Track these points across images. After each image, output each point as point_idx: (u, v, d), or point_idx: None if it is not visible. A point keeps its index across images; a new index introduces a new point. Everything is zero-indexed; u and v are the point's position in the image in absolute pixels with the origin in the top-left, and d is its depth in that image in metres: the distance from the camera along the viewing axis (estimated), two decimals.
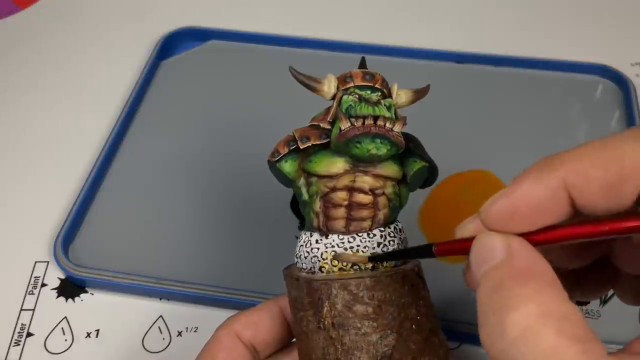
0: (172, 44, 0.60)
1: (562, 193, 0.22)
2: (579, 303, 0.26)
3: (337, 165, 0.29)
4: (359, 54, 0.63)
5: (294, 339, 0.32)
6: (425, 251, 0.27)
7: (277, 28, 0.61)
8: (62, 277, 0.45)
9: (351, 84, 0.29)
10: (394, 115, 0.28)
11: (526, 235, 0.23)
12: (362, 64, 0.31)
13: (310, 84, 0.29)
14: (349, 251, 0.30)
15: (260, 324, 0.31)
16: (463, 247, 0.25)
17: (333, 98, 0.29)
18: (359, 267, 0.30)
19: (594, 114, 0.54)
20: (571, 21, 0.63)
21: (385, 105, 0.28)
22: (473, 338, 0.40)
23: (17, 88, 0.58)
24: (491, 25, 0.63)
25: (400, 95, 0.30)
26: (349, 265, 0.30)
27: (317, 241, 0.30)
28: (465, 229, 0.25)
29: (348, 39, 0.60)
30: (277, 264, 0.33)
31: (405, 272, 0.29)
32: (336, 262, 0.30)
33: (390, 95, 0.29)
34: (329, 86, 0.29)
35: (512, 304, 0.21)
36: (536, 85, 0.57)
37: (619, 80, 0.56)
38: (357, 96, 0.28)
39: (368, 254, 0.30)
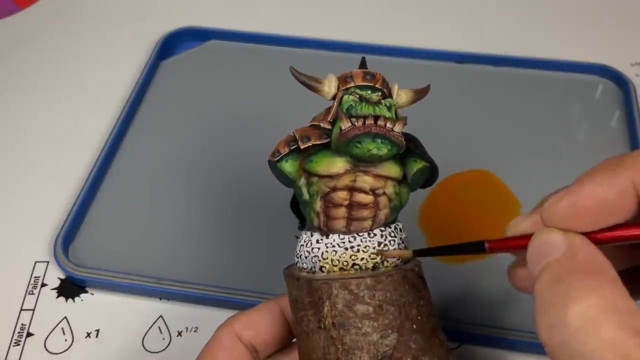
0: (172, 44, 0.60)
1: (630, 192, 0.22)
2: None
3: (338, 165, 0.29)
4: (359, 54, 0.63)
5: (294, 339, 0.32)
6: (476, 247, 0.27)
7: (277, 28, 0.61)
8: (62, 277, 0.45)
9: (352, 84, 0.29)
10: (394, 115, 0.28)
11: (587, 234, 0.23)
12: (363, 64, 0.31)
13: (311, 84, 0.29)
14: (349, 251, 0.30)
15: (261, 324, 0.31)
16: (517, 245, 0.25)
17: (334, 98, 0.29)
18: (360, 267, 0.30)
19: (594, 114, 0.54)
20: (571, 21, 0.63)
21: (385, 105, 0.28)
22: (473, 338, 0.40)
23: (17, 88, 0.58)
24: (491, 25, 0.63)
25: (401, 96, 0.30)
26: (350, 265, 0.30)
27: (317, 241, 0.30)
28: (517, 227, 0.25)
29: (348, 39, 0.60)
30: (277, 264, 0.33)
31: (405, 272, 0.29)
32: (337, 262, 0.30)
33: (390, 95, 0.29)
34: (330, 86, 0.29)
35: (575, 296, 0.21)
36: (536, 85, 0.57)
37: (619, 80, 0.56)
38: (357, 96, 0.28)
39: (412, 249, 0.30)
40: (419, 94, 0.31)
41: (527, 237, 0.24)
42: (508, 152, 0.51)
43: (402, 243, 0.31)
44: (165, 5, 0.65)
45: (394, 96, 0.29)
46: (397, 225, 0.31)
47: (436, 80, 0.58)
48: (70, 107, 0.56)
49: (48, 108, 0.56)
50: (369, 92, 0.29)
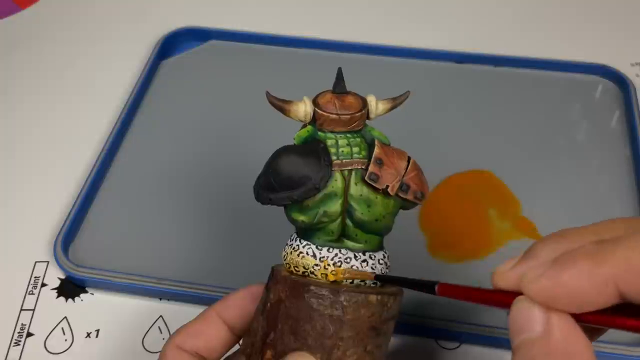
0: (172, 44, 0.61)
1: (611, 286, 0.22)
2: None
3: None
4: (359, 54, 0.64)
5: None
6: (428, 286, 0.27)
7: (277, 28, 0.61)
8: (62, 277, 0.45)
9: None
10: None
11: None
12: (339, 76, 0.31)
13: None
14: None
15: (199, 332, 0.32)
16: (499, 300, 0.24)
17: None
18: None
19: (594, 114, 0.54)
20: (571, 21, 0.63)
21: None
22: (473, 338, 0.40)
23: (17, 88, 0.58)
24: (491, 25, 0.63)
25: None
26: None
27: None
28: (505, 277, 0.25)
29: (348, 39, 0.60)
30: (277, 263, 0.33)
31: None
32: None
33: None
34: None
35: None
36: (536, 85, 0.57)
37: (619, 80, 0.56)
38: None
39: (374, 272, 0.30)
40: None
41: (510, 295, 0.24)
42: (508, 152, 0.51)
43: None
44: (165, 5, 0.65)
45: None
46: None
47: (436, 80, 0.59)
48: (70, 107, 0.56)
49: (48, 108, 0.56)
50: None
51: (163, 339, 0.42)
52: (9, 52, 0.61)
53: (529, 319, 0.23)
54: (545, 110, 0.55)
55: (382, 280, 0.30)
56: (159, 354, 0.31)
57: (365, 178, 0.29)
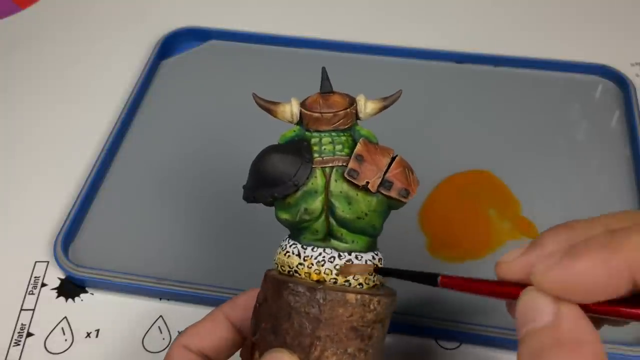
0: (172, 44, 0.61)
1: (625, 275, 0.22)
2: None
3: None
4: (359, 54, 0.64)
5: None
6: (430, 279, 0.27)
7: (277, 28, 0.61)
8: (62, 277, 0.45)
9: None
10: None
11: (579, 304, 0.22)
12: (323, 76, 0.31)
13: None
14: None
15: (205, 332, 0.32)
16: (507, 292, 0.24)
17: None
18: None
19: (594, 114, 0.54)
20: (571, 21, 0.63)
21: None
22: (473, 338, 0.40)
23: (17, 88, 0.58)
24: (491, 25, 0.63)
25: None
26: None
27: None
28: (511, 267, 0.24)
29: (348, 39, 0.60)
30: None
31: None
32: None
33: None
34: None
35: None
36: (536, 85, 0.57)
37: (619, 80, 0.56)
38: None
39: (376, 265, 0.30)
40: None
41: (517, 287, 0.24)
42: (508, 152, 0.51)
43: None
44: (165, 5, 0.65)
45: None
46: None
47: (436, 80, 0.59)
48: (70, 107, 0.56)
49: (48, 108, 0.56)
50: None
51: (163, 339, 0.42)
52: (9, 52, 0.61)
53: (537, 309, 0.23)
54: (545, 110, 0.55)
55: (382, 273, 0.30)
56: (160, 353, 0.31)
57: (345, 174, 0.29)
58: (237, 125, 0.53)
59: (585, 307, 0.22)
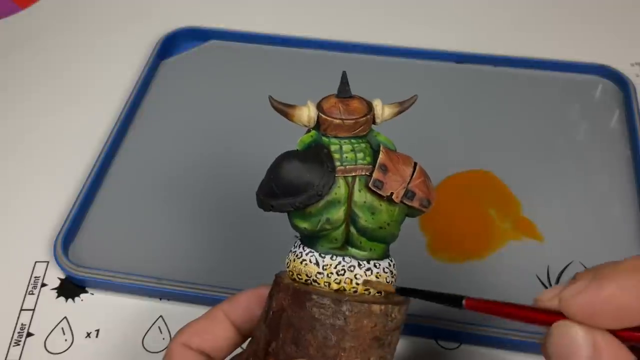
0: (172, 44, 0.61)
1: None
2: None
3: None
4: (359, 54, 0.64)
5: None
6: (454, 300, 0.26)
7: (277, 28, 0.61)
8: (62, 277, 0.45)
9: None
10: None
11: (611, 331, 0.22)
12: (343, 80, 0.30)
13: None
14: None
15: (205, 330, 0.32)
16: (537, 317, 0.24)
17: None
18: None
19: (594, 114, 0.54)
20: (571, 21, 0.63)
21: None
22: (473, 338, 0.40)
23: (17, 88, 0.58)
24: (491, 25, 0.63)
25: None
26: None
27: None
28: (545, 302, 0.24)
29: (348, 39, 0.60)
30: (277, 264, 0.33)
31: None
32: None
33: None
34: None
35: None
36: (536, 85, 0.57)
37: (619, 80, 0.56)
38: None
39: (394, 286, 0.29)
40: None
41: (552, 316, 0.23)
42: (508, 152, 0.51)
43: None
44: (165, 5, 0.65)
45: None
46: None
47: (436, 80, 0.59)
48: (70, 107, 0.56)
49: (48, 108, 0.56)
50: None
51: (163, 339, 0.42)
52: (9, 52, 0.61)
53: (574, 344, 0.22)
54: (545, 110, 0.55)
55: (405, 293, 0.29)
56: (160, 354, 0.31)
57: (370, 185, 0.28)
58: (237, 125, 0.53)
59: (616, 334, 0.22)
